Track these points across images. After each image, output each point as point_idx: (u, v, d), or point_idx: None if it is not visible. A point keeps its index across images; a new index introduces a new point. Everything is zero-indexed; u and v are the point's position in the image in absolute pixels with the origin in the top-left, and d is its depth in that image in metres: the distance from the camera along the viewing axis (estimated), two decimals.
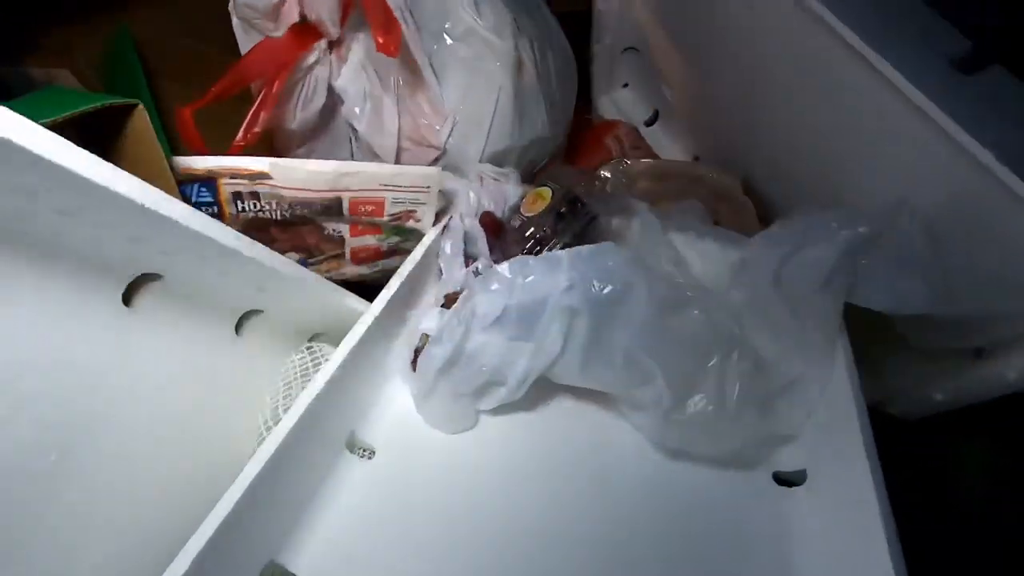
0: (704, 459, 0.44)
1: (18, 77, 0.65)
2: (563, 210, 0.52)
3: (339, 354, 0.40)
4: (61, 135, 0.30)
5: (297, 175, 0.46)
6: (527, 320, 0.41)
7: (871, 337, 0.48)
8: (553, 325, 0.41)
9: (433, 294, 0.53)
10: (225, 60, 0.54)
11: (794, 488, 0.43)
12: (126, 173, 0.28)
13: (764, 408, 0.42)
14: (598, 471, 0.44)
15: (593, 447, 0.45)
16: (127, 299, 0.34)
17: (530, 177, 0.64)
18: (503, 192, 0.58)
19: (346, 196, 0.48)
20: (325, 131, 0.64)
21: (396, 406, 0.45)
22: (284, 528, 0.37)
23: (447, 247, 0.54)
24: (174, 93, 0.62)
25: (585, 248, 0.42)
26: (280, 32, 0.54)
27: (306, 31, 0.54)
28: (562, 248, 0.50)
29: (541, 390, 0.44)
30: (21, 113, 0.33)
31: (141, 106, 0.38)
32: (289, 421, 0.35)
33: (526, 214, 0.54)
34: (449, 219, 0.55)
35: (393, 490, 0.41)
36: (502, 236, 0.56)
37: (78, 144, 0.41)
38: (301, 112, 0.59)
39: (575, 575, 0.39)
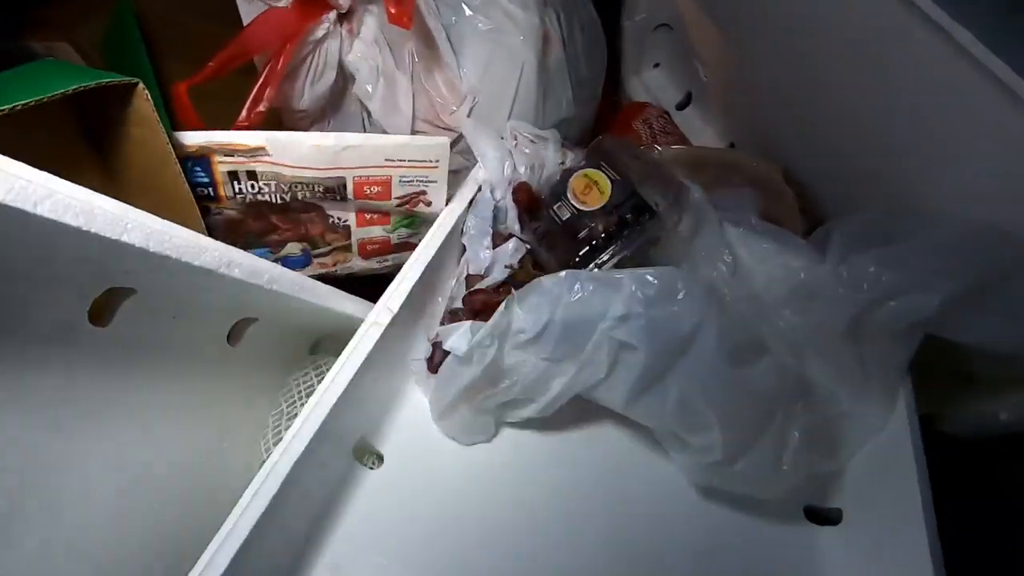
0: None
1: (18, 51, 0.61)
2: (628, 216, 0.45)
3: (346, 372, 0.36)
4: (54, 112, 0.26)
5: (296, 150, 0.42)
6: (570, 341, 0.36)
7: (928, 347, 0.42)
8: (600, 352, 0.36)
9: (454, 274, 0.48)
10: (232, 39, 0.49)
11: (825, 527, 0.40)
12: (64, 187, 0.23)
13: (812, 448, 0.38)
14: (621, 493, 0.40)
15: (619, 468, 0.41)
16: (98, 315, 0.30)
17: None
18: (540, 157, 0.52)
19: (349, 175, 0.44)
20: (335, 111, 0.59)
21: (408, 408, 0.42)
22: (289, 550, 0.34)
23: (472, 225, 0.48)
24: (178, 72, 0.58)
25: (650, 274, 0.36)
26: (285, 1, 0.49)
27: (313, 1, 0.49)
28: (621, 259, 0.44)
29: (569, 404, 0.40)
30: (11, 88, 0.30)
31: (141, 85, 0.35)
32: (299, 444, 0.32)
33: (578, 206, 0.46)
34: (478, 192, 0.49)
35: (402, 502, 0.38)
36: (538, 214, 0.50)
37: (76, 124, 0.37)
38: (310, 90, 0.55)
39: None
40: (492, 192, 0.50)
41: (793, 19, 0.54)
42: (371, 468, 0.38)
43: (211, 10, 0.62)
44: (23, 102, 0.28)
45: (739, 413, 0.36)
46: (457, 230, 0.48)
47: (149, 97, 0.35)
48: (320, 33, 0.52)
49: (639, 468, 0.41)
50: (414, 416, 0.41)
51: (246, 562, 0.28)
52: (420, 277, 0.42)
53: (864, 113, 0.50)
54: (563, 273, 0.37)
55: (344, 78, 0.56)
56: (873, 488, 0.39)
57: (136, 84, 0.35)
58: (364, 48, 0.54)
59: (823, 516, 0.40)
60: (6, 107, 0.27)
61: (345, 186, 0.45)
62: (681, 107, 0.78)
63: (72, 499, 0.29)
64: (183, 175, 0.38)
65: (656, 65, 0.80)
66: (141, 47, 0.60)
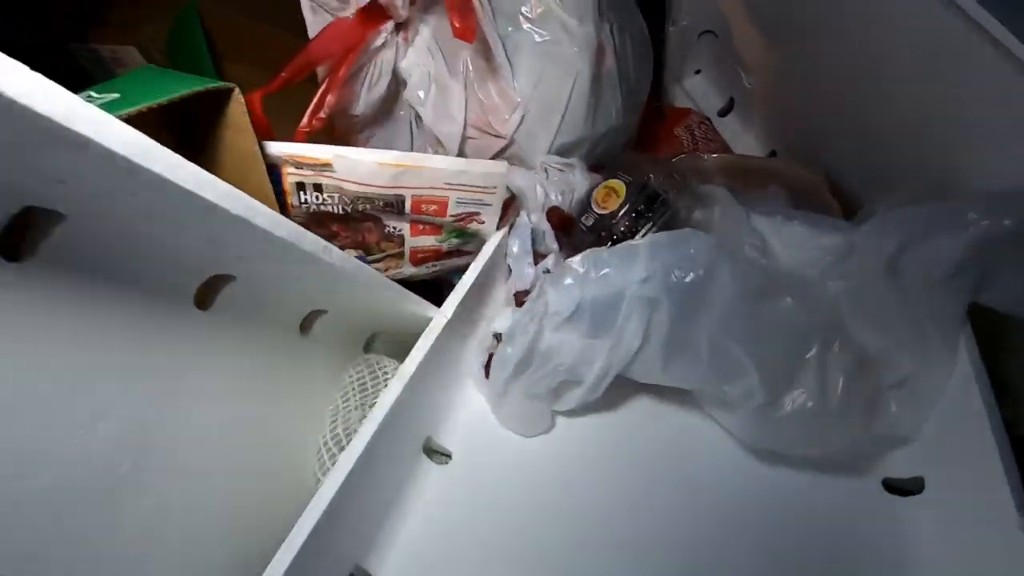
0: (803, 463, 0.41)
1: (85, 54, 0.64)
2: (641, 207, 0.50)
3: (412, 362, 0.39)
4: (150, 120, 0.29)
5: (360, 169, 0.44)
6: (603, 315, 0.39)
7: (1001, 346, 0.42)
8: (631, 319, 0.39)
9: (503, 293, 0.52)
10: (291, 42, 0.52)
11: (908, 497, 0.39)
12: (211, 176, 0.26)
13: (872, 406, 0.39)
14: (684, 475, 0.42)
15: (678, 450, 0.43)
16: (199, 301, 0.32)
17: (595, 168, 0.60)
18: (569, 183, 0.56)
19: (408, 194, 0.47)
20: (387, 117, 0.62)
21: (471, 409, 0.45)
22: (367, 535, 0.37)
23: (514, 246, 0.53)
24: (240, 75, 0.61)
25: (663, 235, 0.39)
26: (349, 13, 0.51)
27: (375, 12, 0.52)
28: None
29: (620, 389, 0.43)
30: (129, 94, 0.32)
31: (237, 90, 0.38)
32: (368, 430, 0.34)
33: (599, 211, 0.51)
34: (516, 217, 0.54)
35: (471, 494, 0.40)
36: (571, 231, 0.55)
37: (167, 128, 0.40)
38: (365, 96, 0.57)
39: None
40: (529, 218, 0.55)
41: (843, 26, 0.55)
42: (440, 464, 0.41)
43: (270, 14, 0.65)
44: (147, 104, 0.31)
45: (771, 349, 0.37)
46: (501, 252, 0.53)
47: (243, 102, 0.38)
48: (379, 42, 0.54)
49: (703, 449, 0.42)
50: (477, 417, 0.44)
51: (316, 549, 0.31)
52: (476, 281, 0.46)
53: (915, 122, 0.50)
54: (588, 252, 0.40)
55: (396, 84, 0.58)
56: (950, 450, 0.38)
57: (232, 89, 0.38)
58: (417, 55, 0.57)
59: (904, 487, 0.40)
60: (134, 108, 0.30)
61: (404, 202, 0.47)
62: (723, 114, 0.78)
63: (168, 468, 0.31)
64: (268, 177, 0.41)
65: (698, 71, 0.81)
66: (204, 50, 0.63)
